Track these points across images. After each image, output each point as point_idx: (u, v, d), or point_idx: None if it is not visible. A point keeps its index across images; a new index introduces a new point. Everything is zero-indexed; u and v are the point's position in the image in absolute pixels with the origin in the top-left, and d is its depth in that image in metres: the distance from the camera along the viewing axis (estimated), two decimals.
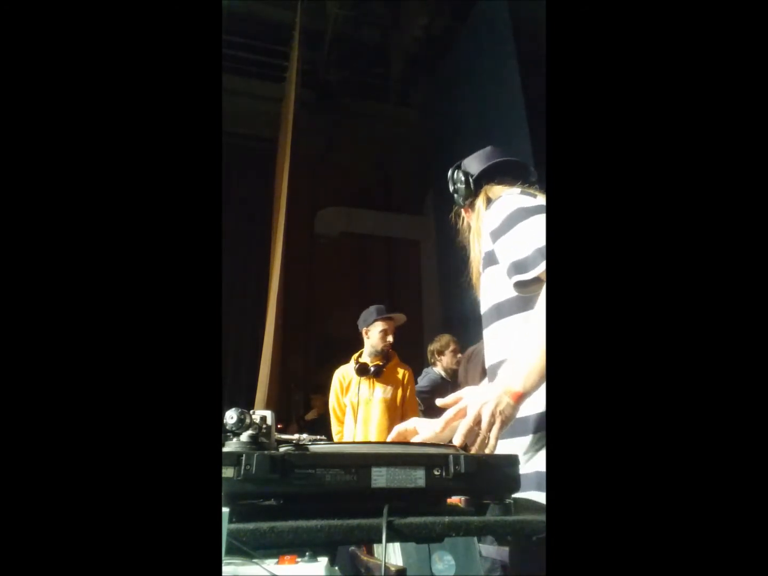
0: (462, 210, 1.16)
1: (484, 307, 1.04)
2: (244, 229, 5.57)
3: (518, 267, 0.87)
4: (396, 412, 2.84)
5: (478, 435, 0.74)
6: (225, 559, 0.48)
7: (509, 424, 0.76)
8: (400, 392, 2.87)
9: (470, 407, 0.75)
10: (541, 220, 0.87)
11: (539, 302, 0.82)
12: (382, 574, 0.57)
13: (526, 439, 0.89)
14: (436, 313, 5.55)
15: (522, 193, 0.99)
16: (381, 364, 2.86)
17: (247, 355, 5.05)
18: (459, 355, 3.10)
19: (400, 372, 2.93)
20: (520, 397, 0.77)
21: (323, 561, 0.55)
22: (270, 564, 0.52)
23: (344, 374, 2.94)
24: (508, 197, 0.98)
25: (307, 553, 0.55)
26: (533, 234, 0.86)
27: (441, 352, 3.16)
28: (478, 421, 0.74)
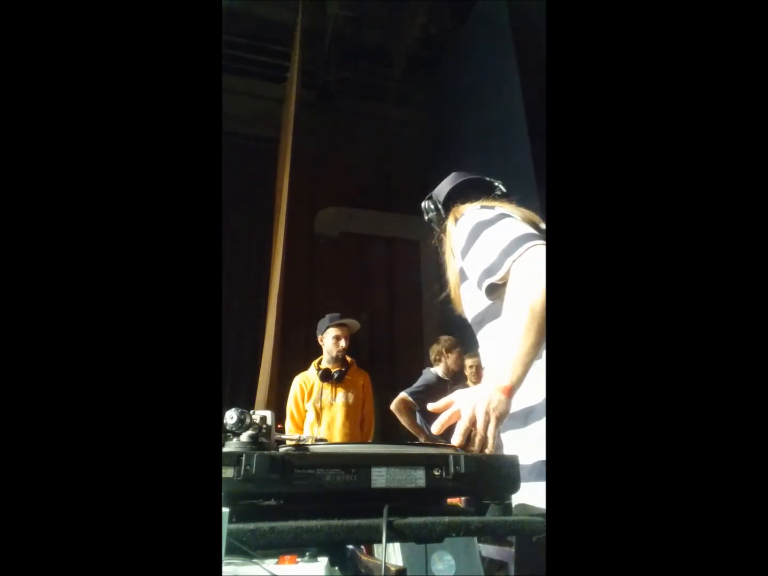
0: (442, 235, 1.22)
1: (469, 319, 1.11)
2: (244, 229, 5.56)
3: (488, 272, 0.93)
4: (356, 416, 3.01)
5: (475, 435, 0.75)
6: (225, 559, 0.48)
7: (504, 420, 0.77)
8: (359, 397, 3.02)
9: (464, 409, 0.76)
10: (501, 226, 0.95)
11: (506, 303, 0.88)
12: (382, 574, 0.57)
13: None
14: (436, 314, 5.55)
15: (481, 207, 1.06)
16: (342, 370, 2.99)
17: (247, 355, 5.05)
18: (463, 357, 3.14)
19: (360, 378, 3.08)
20: (510, 391, 0.79)
21: (323, 561, 0.55)
22: (270, 564, 0.52)
23: (305, 380, 3.04)
24: (469, 214, 1.06)
25: (307, 553, 0.55)
26: (495, 240, 0.93)
27: (450, 351, 3.17)
28: (473, 422, 0.75)
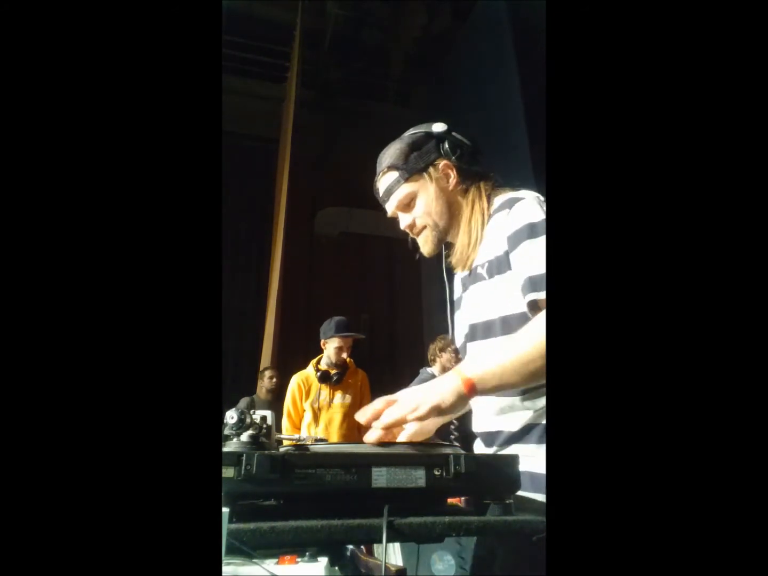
0: (440, 163, 0.99)
1: (484, 316, 0.94)
2: (244, 229, 5.57)
3: (535, 284, 0.81)
4: (354, 417, 2.94)
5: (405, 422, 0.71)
6: (225, 559, 0.48)
7: (448, 409, 0.73)
8: (357, 397, 3.06)
9: (402, 397, 0.73)
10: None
11: (536, 317, 0.79)
12: (382, 574, 0.57)
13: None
14: (436, 314, 5.55)
15: (539, 202, 0.90)
16: (341, 372, 3.02)
17: (247, 355, 5.06)
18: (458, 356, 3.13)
19: (357, 378, 3.12)
20: (472, 387, 0.73)
21: (323, 561, 0.55)
22: (270, 564, 0.52)
23: (304, 379, 3.06)
24: (534, 203, 0.89)
25: (307, 553, 0.55)
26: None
27: (443, 350, 3.19)
28: (409, 408, 0.71)
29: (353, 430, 2.99)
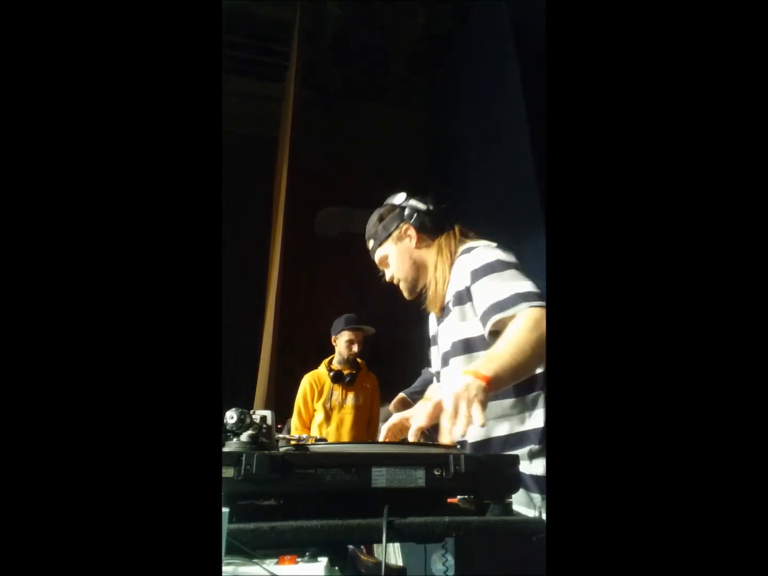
0: (403, 227, 1.22)
1: (450, 339, 1.10)
2: (244, 229, 5.56)
3: (496, 307, 0.95)
4: (365, 418, 3.03)
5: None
6: (225, 559, 0.48)
7: (484, 404, 0.78)
8: (368, 399, 3.05)
9: (446, 401, 0.76)
10: (521, 275, 1.00)
11: (526, 314, 0.90)
12: (382, 574, 0.57)
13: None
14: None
15: (497, 246, 1.09)
16: (354, 372, 3.01)
17: (247, 355, 5.04)
18: None
19: (368, 380, 3.11)
20: (489, 382, 0.79)
21: (323, 561, 0.55)
22: (270, 564, 0.52)
23: (317, 379, 3.04)
24: (487, 249, 1.08)
25: (307, 553, 0.55)
26: (515, 283, 0.96)
27: None
28: (456, 409, 0.75)
29: (363, 431, 2.98)
